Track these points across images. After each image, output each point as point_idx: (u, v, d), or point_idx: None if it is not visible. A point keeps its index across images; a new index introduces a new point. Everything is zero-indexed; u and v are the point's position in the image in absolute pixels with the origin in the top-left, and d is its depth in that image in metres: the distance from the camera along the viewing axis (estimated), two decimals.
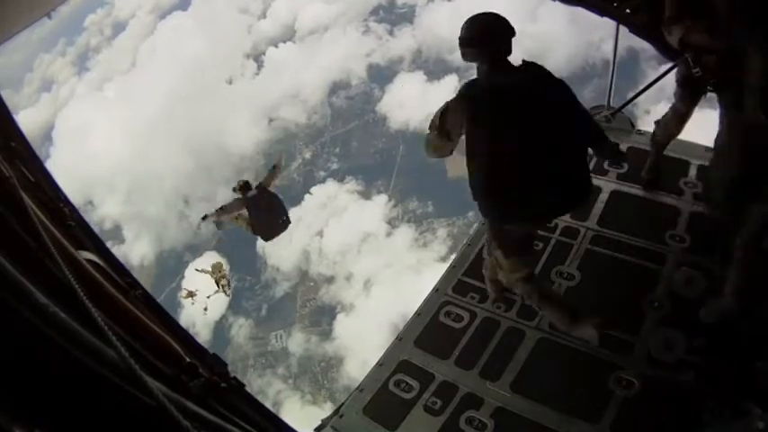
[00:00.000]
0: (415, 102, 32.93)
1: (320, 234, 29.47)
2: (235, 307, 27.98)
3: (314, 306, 27.57)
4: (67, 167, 31.46)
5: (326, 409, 22.48)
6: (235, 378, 1.73)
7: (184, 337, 1.78)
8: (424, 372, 3.45)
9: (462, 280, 3.99)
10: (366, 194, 31.24)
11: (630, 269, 3.67)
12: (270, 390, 24.86)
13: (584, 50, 30.13)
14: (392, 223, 29.70)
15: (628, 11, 4.29)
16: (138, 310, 1.50)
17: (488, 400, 3.18)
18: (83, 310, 0.95)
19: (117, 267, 1.90)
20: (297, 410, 23.35)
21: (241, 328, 27.54)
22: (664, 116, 3.88)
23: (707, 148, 3.91)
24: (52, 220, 1.58)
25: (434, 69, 34.32)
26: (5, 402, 0.75)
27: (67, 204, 2.05)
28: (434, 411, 3.21)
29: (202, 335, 26.38)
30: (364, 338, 24.61)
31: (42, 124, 35.46)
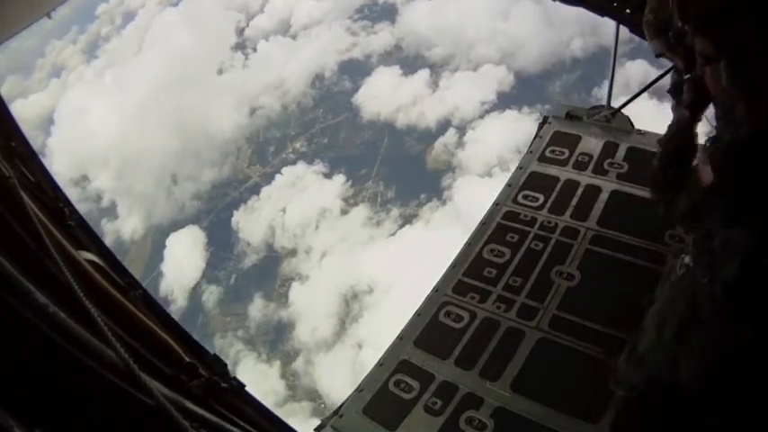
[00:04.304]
0: (389, 94, 35.47)
1: (284, 210, 32.49)
2: (208, 276, 31.11)
3: (290, 285, 30.24)
4: (66, 145, 34.32)
5: (275, 368, 25.89)
6: (235, 378, 1.73)
7: (184, 337, 1.78)
8: (424, 372, 3.45)
9: (462, 280, 3.98)
10: (329, 175, 33.98)
11: (630, 269, 3.67)
12: (231, 350, 27.50)
13: (554, 48, 31.97)
14: (348, 201, 32.41)
15: (628, 11, 4.29)
16: (138, 310, 1.50)
17: (488, 400, 3.18)
18: (83, 310, 0.95)
19: (117, 267, 1.90)
20: (251, 367, 26.05)
21: (212, 295, 30.55)
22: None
23: None
24: (52, 220, 1.58)
25: (410, 64, 36.52)
26: (5, 402, 0.75)
27: (67, 204, 2.04)
28: (434, 411, 3.21)
29: (179, 301, 29.81)
30: (315, 306, 27.37)
31: (49, 109, 37.77)
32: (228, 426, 1.35)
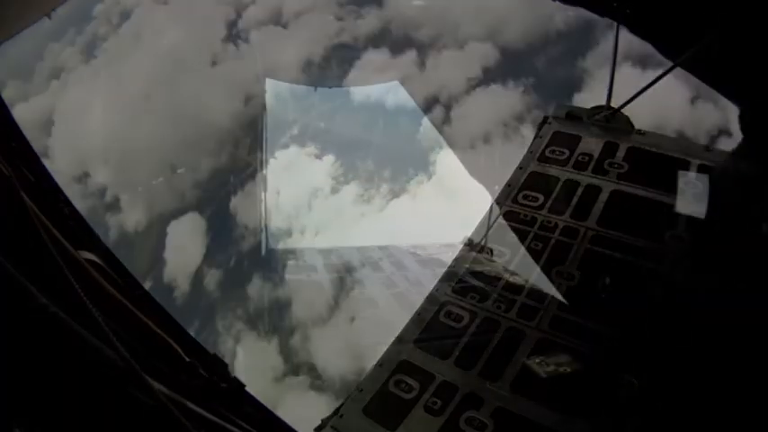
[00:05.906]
0: (378, 76, 35.72)
1: (278, 192, 33.13)
2: (209, 260, 31.72)
3: (286, 264, 30.86)
4: (67, 144, 34.72)
5: (272, 344, 25.82)
6: (235, 378, 1.73)
7: (184, 337, 1.78)
8: (424, 372, 3.45)
9: (462, 280, 3.98)
10: (320, 156, 34.80)
11: (630, 269, 3.67)
12: (232, 330, 28.17)
13: (538, 22, 32.59)
14: (338, 180, 33.19)
15: (628, 11, 4.29)
16: (138, 309, 1.49)
17: (488, 400, 3.18)
18: (83, 310, 0.95)
19: (117, 267, 1.90)
20: (251, 345, 26.51)
21: (213, 278, 31.22)
22: None
23: (706, 148, 3.90)
24: (52, 220, 1.58)
25: (398, 45, 37.34)
26: (5, 402, 0.75)
27: (67, 204, 2.04)
28: (434, 411, 3.21)
29: (182, 287, 30.11)
30: (310, 283, 27.48)
31: (50, 110, 38.88)
32: (228, 425, 1.35)
